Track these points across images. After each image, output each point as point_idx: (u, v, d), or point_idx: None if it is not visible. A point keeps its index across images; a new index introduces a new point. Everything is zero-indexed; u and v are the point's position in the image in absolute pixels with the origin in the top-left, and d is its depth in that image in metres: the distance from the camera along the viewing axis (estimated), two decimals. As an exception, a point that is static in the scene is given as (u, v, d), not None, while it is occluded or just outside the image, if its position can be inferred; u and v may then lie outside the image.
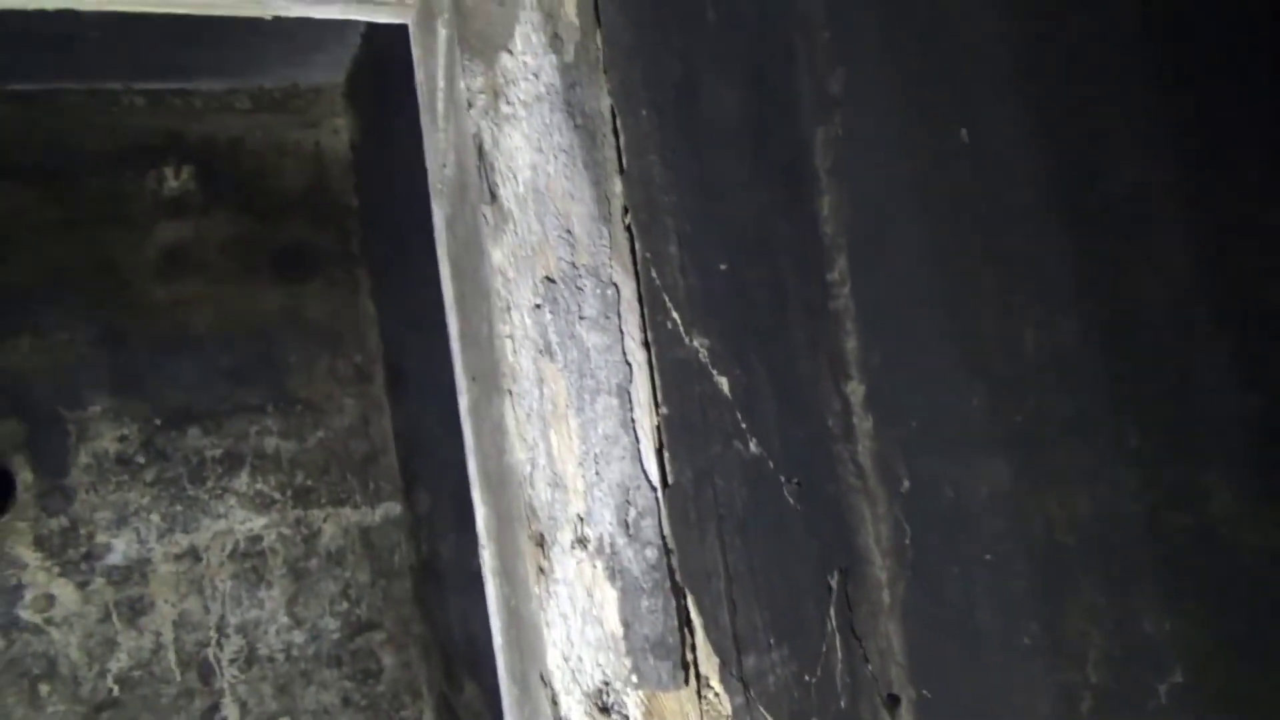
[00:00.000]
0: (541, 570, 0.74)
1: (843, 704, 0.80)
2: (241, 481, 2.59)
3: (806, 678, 0.79)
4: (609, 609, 0.74)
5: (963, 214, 0.72)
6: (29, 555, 2.42)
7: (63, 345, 2.50)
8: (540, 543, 0.75)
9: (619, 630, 0.74)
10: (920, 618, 0.82)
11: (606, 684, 0.74)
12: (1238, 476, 0.56)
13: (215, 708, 2.52)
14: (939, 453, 0.80)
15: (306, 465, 2.67)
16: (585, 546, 0.74)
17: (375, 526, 2.73)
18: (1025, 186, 0.66)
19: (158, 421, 2.55)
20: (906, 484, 0.84)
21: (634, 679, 0.73)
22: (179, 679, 2.50)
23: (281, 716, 2.58)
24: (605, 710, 0.74)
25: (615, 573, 0.75)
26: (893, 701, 0.83)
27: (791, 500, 0.82)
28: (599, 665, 0.73)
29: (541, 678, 0.74)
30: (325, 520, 2.68)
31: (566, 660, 0.74)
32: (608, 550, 0.74)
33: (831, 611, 0.81)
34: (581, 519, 0.75)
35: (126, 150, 2.65)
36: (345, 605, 2.66)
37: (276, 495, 2.63)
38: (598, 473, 0.76)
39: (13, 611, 2.40)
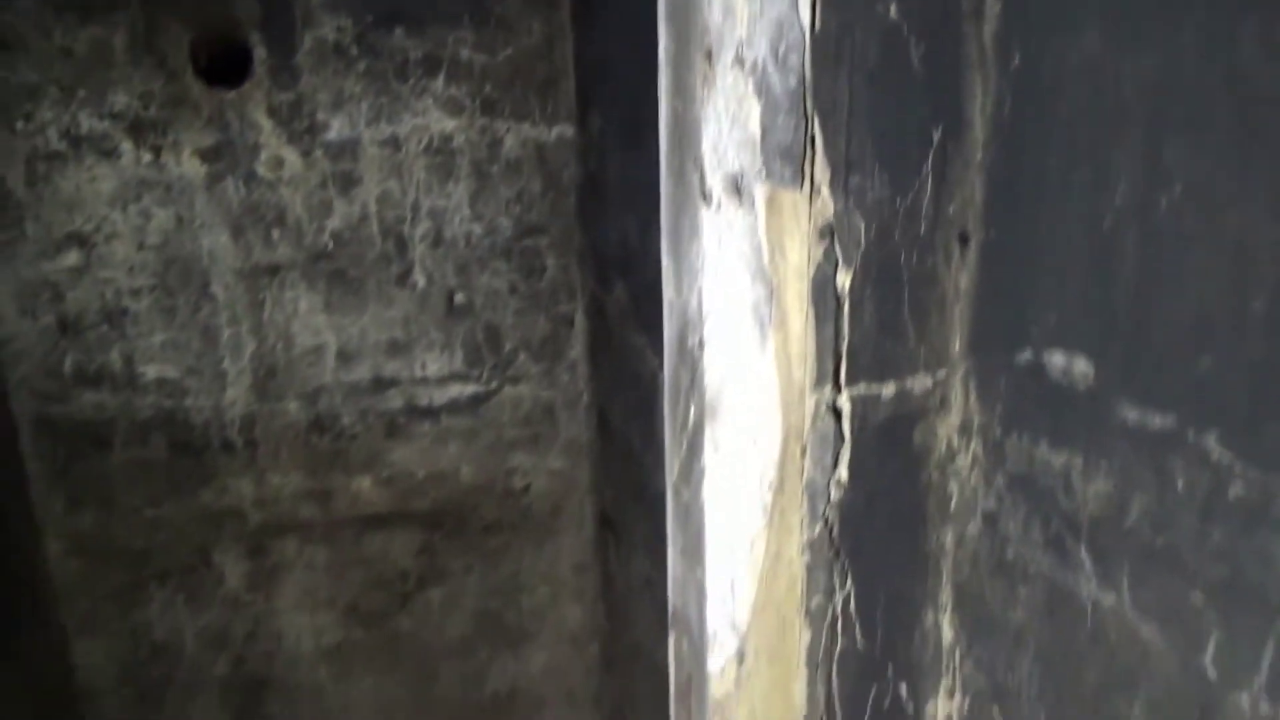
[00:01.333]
0: (706, 78, 0.96)
1: (922, 230, 1.02)
2: (438, 85, 2.88)
3: (898, 201, 1.00)
4: (753, 117, 0.96)
5: None
6: (264, 121, 2.83)
7: (289, -65, 2.74)
8: (708, 56, 0.95)
9: (758, 134, 0.96)
10: (1001, 175, 1.01)
11: (741, 173, 0.97)
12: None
13: (408, 273, 3.00)
14: (1048, 31, 0.94)
15: (494, 79, 2.92)
16: (742, 66, 0.95)
17: (550, 144, 3.01)
18: None
19: (369, 18, 2.82)
20: (1017, 61, 1.00)
21: (763, 173, 0.96)
22: (379, 245, 2.97)
23: (460, 291, 3.05)
24: (738, 192, 0.98)
25: (761, 90, 0.95)
26: (963, 239, 1.04)
27: (916, 63, 0.99)
28: (738, 158, 0.96)
29: (694, 161, 0.99)
30: (507, 132, 2.98)
31: (715, 150, 0.97)
32: (759, 72, 0.95)
33: (930, 157, 1.00)
34: (742, 43, 0.94)
35: None
36: (518, 209, 3.02)
37: (467, 102, 2.91)
38: (760, 9, 0.95)
39: (252, 167, 2.86)
